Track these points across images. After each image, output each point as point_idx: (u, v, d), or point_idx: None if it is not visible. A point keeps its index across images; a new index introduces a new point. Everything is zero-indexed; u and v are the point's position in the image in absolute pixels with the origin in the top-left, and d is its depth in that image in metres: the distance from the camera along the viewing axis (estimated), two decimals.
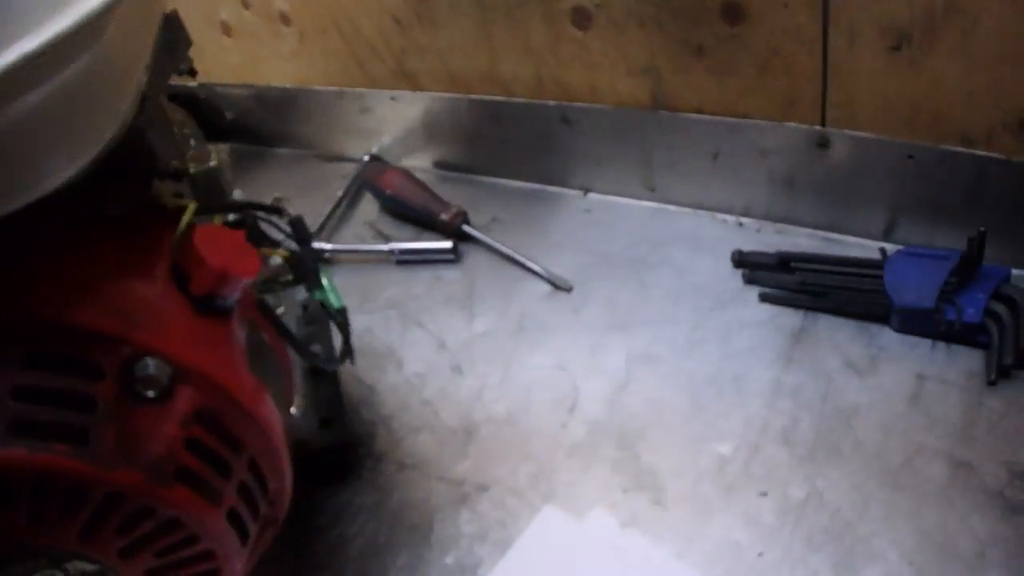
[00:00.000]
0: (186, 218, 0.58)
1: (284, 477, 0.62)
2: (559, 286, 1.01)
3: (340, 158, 1.42)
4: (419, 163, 1.31)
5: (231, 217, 0.71)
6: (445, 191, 1.19)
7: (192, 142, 0.77)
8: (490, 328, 0.99)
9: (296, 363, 0.80)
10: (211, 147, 0.72)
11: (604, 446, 0.82)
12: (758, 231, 1.04)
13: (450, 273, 1.09)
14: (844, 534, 0.71)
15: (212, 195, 0.69)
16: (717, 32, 0.93)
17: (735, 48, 0.93)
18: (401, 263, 1.12)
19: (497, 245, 1.08)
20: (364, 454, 0.88)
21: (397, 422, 0.91)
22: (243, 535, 0.57)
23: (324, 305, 0.78)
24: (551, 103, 1.10)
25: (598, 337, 0.93)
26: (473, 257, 1.11)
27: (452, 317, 1.03)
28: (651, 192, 1.10)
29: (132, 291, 0.54)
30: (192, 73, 0.80)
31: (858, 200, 0.96)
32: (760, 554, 0.71)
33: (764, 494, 0.75)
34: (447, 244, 1.10)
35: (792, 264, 0.94)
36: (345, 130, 1.39)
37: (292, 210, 0.80)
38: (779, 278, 0.94)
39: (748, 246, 0.99)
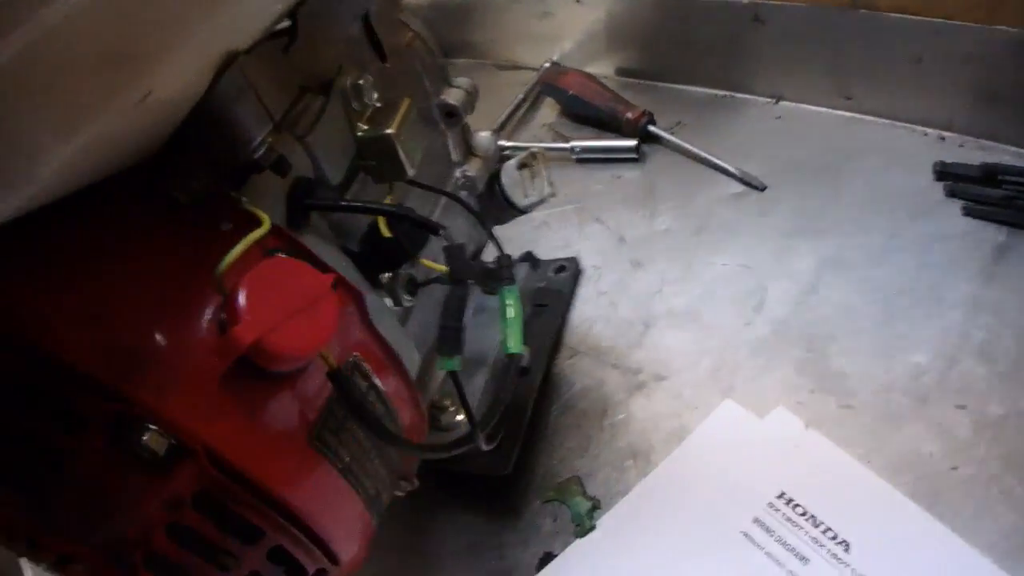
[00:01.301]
0: (239, 247, 0.44)
1: (336, 558, 0.51)
2: (752, 184, 0.97)
3: (517, 66, 1.39)
4: (600, 70, 1.27)
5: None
6: (627, 97, 1.15)
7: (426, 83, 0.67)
8: (672, 226, 0.96)
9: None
10: (406, 102, 0.57)
11: (790, 347, 0.79)
12: (960, 146, 0.97)
13: (631, 173, 1.07)
14: None
15: (385, 169, 0.57)
16: None
17: None
18: (581, 161, 1.10)
19: (684, 144, 1.05)
20: None
21: (571, 311, 0.90)
22: None
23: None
24: (742, 0, 1.05)
25: (786, 240, 0.89)
26: (655, 158, 1.08)
27: (632, 214, 1.00)
28: (846, 100, 1.05)
29: (154, 325, 0.42)
30: None
31: None
32: (954, 468, 0.67)
33: (962, 407, 0.71)
34: (631, 143, 1.07)
35: (999, 177, 0.88)
36: (524, 37, 1.36)
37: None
38: (983, 192, 0.88)
39: (949, 161, 0.92)
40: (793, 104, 1.09)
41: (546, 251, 0.98)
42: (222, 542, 0.44)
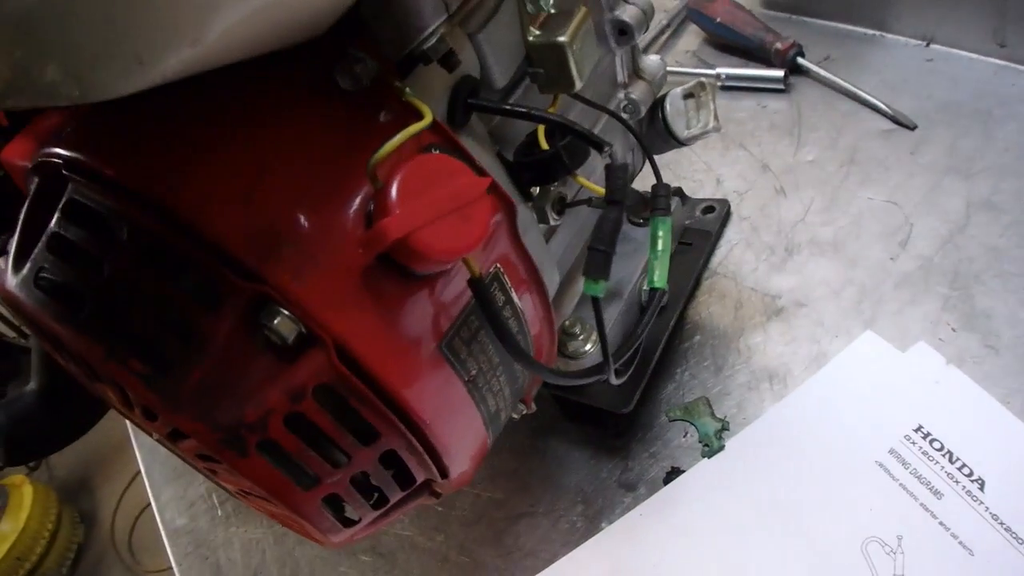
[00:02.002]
0: (398, 138, 0.42)
1: (447, 472, 0.51)
2: (902, 122, 0.95)
3: None
4: (745, 1, 1.25)
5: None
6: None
7: None
8: (818, 157, 0.95)
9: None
10: (581, 11, 0.53)
11: (935, 283, 0.78)
12: None
13: (777, 103, 1.05)
14: None
15: (554, 80, 0.53)
16: None
17: None
18: (726, 89, 1.09)
19: (833, 78, 1.03)
20: None
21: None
22: (345, 521, 0.50)
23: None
24: None
25: (935, 179, 0.87)
26: (802, 90, 1.06)
27: (777, 143, 0.99)
28: (1000, 48, 1.02)
29: (301, 209, 0.42)
30: None
31: None
32: None
33: None
34: (778, 73, 1.06)
35: None
36: None
37: None
38: None
39: None
40: (944, 48, 1.06)
41: (687, 174, 0.98)
42: (337, 438, 0.44)
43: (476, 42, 0.51)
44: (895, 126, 0.96)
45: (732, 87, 1.10)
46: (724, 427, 0.74)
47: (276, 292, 0.40)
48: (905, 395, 0.71)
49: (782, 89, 1.06)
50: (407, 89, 0.45)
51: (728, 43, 1.17)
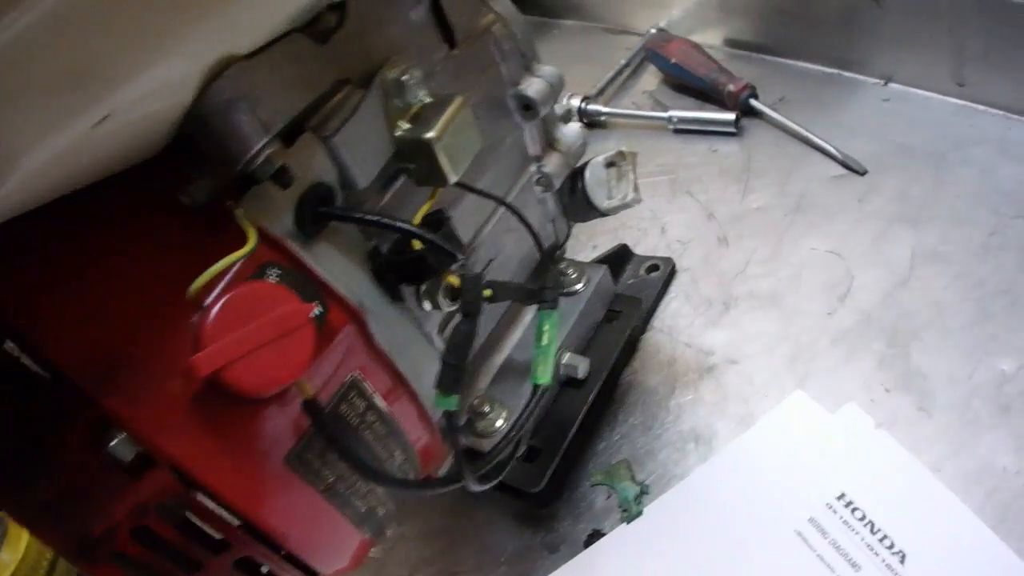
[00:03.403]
0: (215, 268, 0.41)
1: (315, 572, 0.51)
2: (852, 168, 0.93)
3: (625, 31, 1.38)
4: (708, 39, 1.24)
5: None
6: (732, 69, 1.12)
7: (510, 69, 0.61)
8: (764, 204, 0.94)
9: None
10: (456, 101, 0.50)
11: (872, 340, 0.76)
12: None
13: (728, 147, 1.04)
14: None
15: (426, 174, 0.51)
16: None
17: None
18: (679, 132, 1.08)
19: (785, 121, 1.01)
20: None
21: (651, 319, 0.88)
22: None
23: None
24: None
25: (883, 227, 0.85)
26: (755, 133, 1.05)
27: (725, 189, 0.98)
28: (959, 87, 1.00)
29: (137, 334, 0.42)
30: None
31: None
32: None
33: None
34: (729, 116, 1.05)
35: None
36: (635, 1, 1.34)
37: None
38: None
39: None
40: (902, 87, 1.04)
41: (632, 222, 0.97)
42: (186, 549, 0.45)
43: (330, 146, 0.48)
44: (845, 171, 0.94)
45: (685, 130, 1.09)
46: (644, 491, 0.72)
47: (112, 416, 0.40)
48: (831, 459, 0.69)
49: (734, 132, 1.05)
50: (237, 210, 0.44)
51: (684, 84, 1.15)
